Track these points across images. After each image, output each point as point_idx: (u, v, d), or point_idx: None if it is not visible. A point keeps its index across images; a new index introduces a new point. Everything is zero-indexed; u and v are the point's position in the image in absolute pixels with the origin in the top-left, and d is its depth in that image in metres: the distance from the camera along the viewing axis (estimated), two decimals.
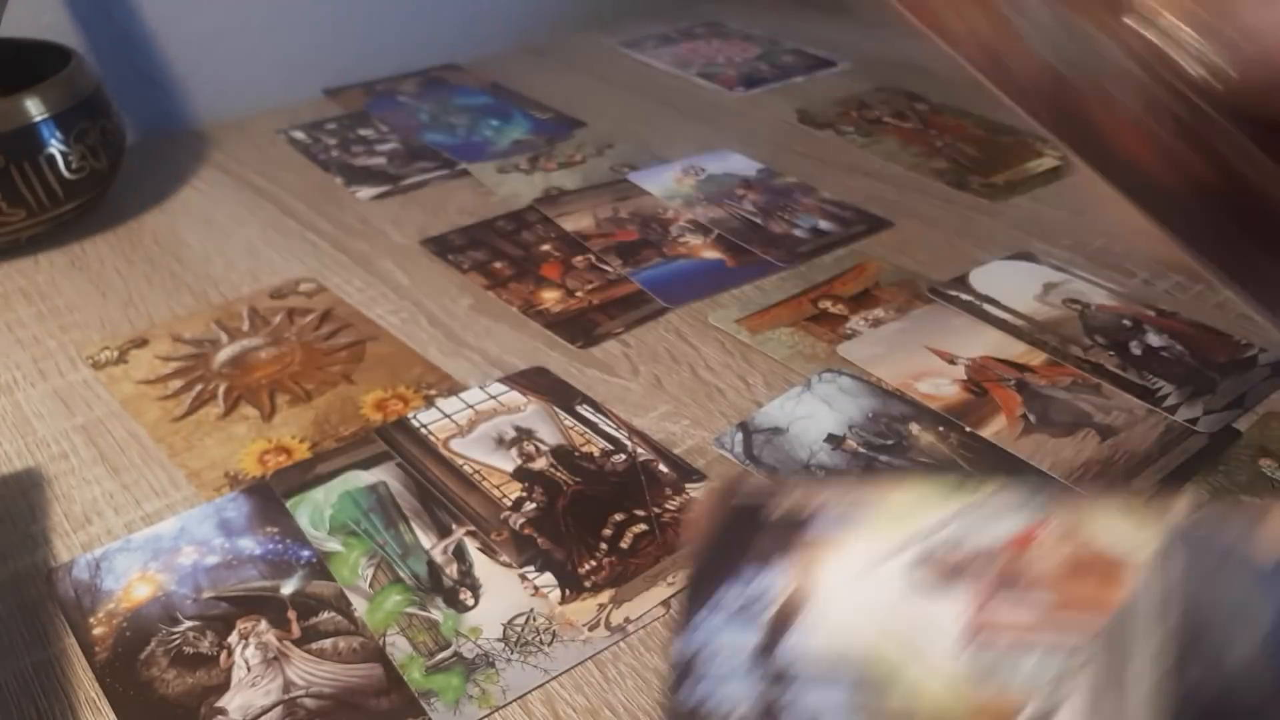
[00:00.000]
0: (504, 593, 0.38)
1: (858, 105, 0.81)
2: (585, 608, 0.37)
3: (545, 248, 0.61)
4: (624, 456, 0.44)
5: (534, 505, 0.42)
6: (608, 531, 0.40)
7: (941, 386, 0.48)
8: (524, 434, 0.46)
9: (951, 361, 0.50)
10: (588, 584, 0.38)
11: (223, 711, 0.34)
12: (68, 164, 0.60)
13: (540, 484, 0.43)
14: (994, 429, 0.45)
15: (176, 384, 0.49)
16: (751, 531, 0.24)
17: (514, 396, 0.48)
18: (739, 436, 0.45)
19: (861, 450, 0.44)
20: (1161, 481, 0.42)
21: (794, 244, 0.61)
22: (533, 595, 0.38)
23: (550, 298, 0.56)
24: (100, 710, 0.34)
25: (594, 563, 0.39)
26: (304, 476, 0.43)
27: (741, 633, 0.23)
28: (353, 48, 0.88)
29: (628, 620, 0.37)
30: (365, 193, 0.69)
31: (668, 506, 0.42)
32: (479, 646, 0.36)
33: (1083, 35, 0.26)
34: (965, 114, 0.79)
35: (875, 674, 0.21)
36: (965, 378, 0.49)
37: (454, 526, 0.41)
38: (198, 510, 0.42)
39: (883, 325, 0.53)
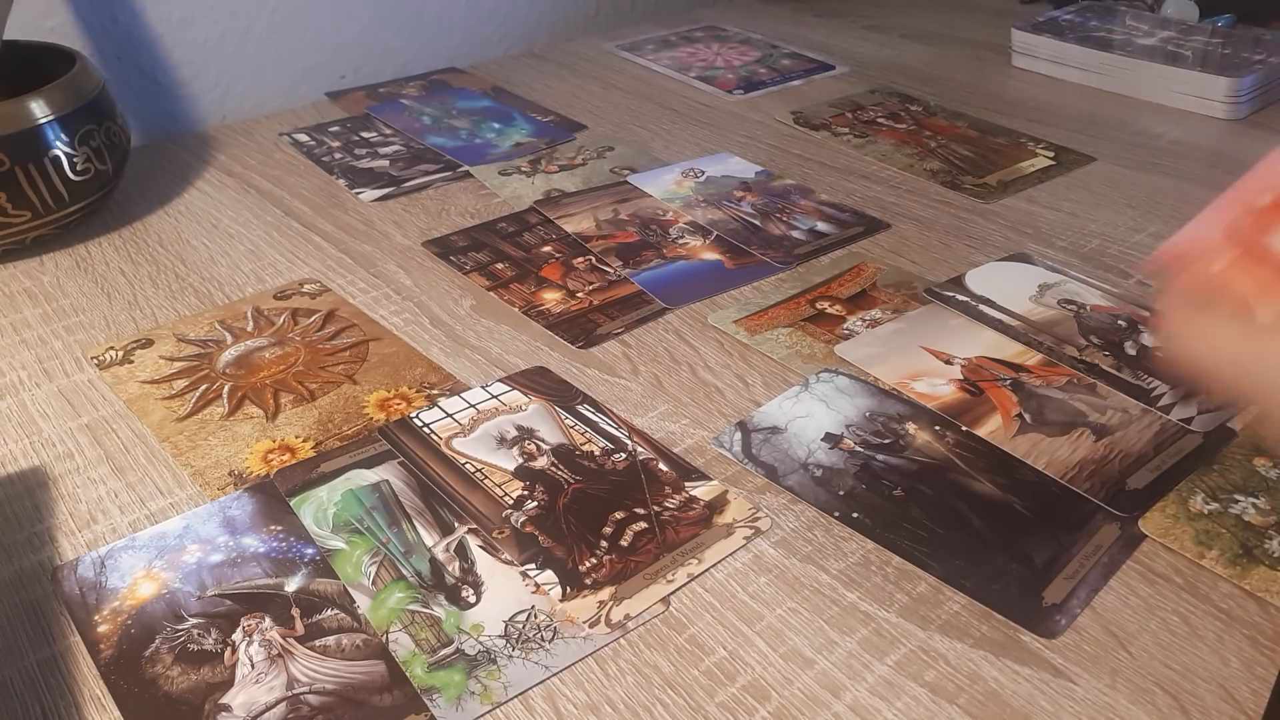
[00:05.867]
0: (505, 590, 0.38)
1: (852, 107, 0.82)
2: (586, 605, 0.37)
3: (546, 249, 0.62)
4: (624, 455, 0.45)
5: (535, 503, 0.42)
6: (608, 529, 0.41)
7: (938, 386, 0.48)
8: (525, 433, 0.46)
9: (948, 361, 0.50)
10: (588, 581, 0.38)
11: (227, 708, 0.34)
12: (72, 166, 0.60)
13: (541, 482, 0.43)
14: (990, 428, 0.46)
15: (181, 384, 0.50)
16: None
17: (515, 396, 0.49)
18: (738, 435, 0.46)
19: (859, 449, 0.45)
20: (1156, 480, 0.43)
21: (792, 245, 0.62)
22: (534, 592, 0.38)
23: (551, 298, 0.57)
24: (105, 707, 0.34)
25: (594, 560, 0.39)
26: (307, 475, 0.44)
27: None
28: (355, 51, 0.89)
29: (628, 617, 0.37)
30: (368, 195, 0.69)
31: (667, 505, 0.42)
32: (481, 643, 0.36)
33: None
34: (958, 115, 0.80)
35: None
36: (961, 377, 0.49)
37: (456, 524, 0.41)
38: (202, 509, 0.42)
39: (880, 326, 0.53)
